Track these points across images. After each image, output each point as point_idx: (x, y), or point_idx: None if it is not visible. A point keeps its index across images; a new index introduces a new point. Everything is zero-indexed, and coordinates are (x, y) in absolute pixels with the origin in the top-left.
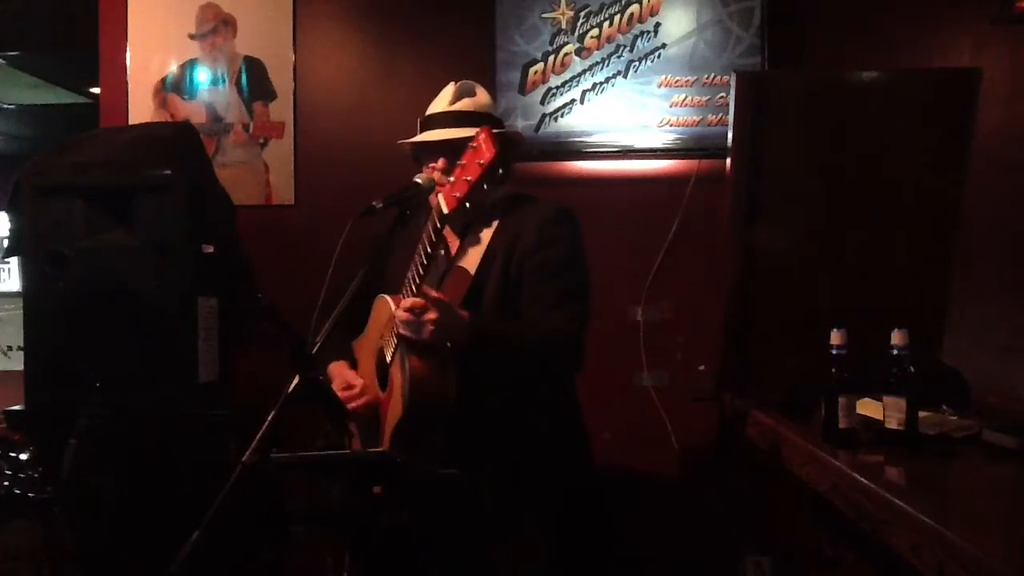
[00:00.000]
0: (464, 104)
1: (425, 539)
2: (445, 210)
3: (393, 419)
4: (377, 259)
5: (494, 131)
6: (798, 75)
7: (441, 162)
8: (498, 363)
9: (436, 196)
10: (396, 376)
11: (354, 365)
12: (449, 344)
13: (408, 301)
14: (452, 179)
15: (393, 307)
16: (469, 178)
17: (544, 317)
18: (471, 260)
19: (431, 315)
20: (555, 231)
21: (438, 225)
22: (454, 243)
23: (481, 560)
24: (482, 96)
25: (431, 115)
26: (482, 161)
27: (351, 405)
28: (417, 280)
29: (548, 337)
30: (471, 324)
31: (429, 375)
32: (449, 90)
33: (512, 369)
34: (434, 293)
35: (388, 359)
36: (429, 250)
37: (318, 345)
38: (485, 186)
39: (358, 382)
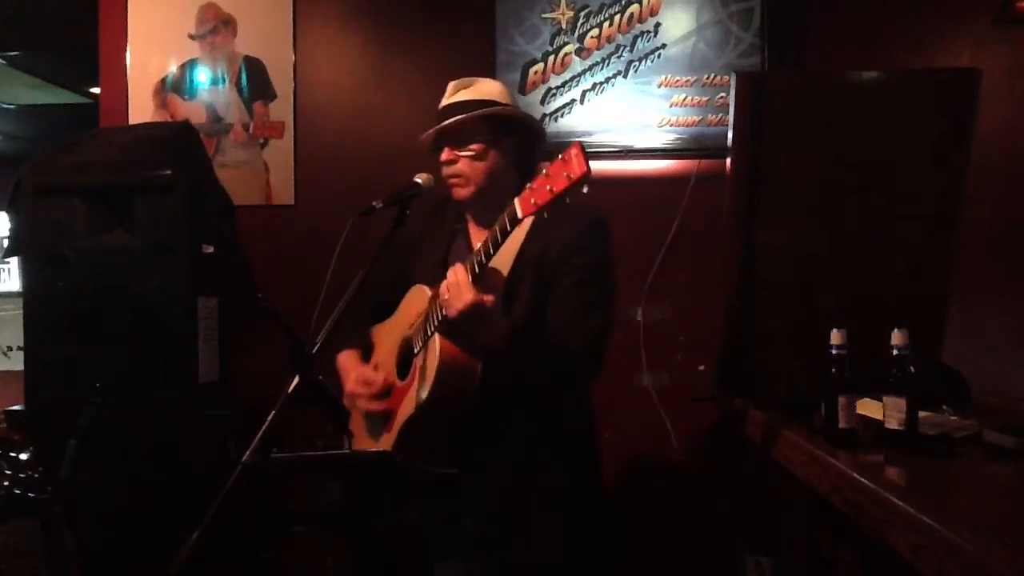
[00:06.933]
0: (461, 95)
1: (435, 539)
2: (520, 214)
3: (408, 409)
4: (405, 255)
5: (512, 113)
6: (798, 75)
7: (445, 153)
8: (525, 371)
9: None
10: (420, 366)
11: (368, 350)
12: (482, 342)
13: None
14: (533, 186)
15: (429, 293)
16: (553, 188)
17: (571, 326)
18: (503, 262)
19: (488, 297)
20: (586, 241)
21: (508, 227)
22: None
23: (492, 560)
24: (483, 85)
25: (437, 113)
26: (570, 175)
27: (369, 407)
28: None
29: (577, 351)
30: (510, 330)
31: (458, 365)
32: (449, 88)
33: (536, 378)
34: (487, 297)
35: (416, 349)
36: (491, 250)
37: (318, 345)
38: (567, 200)
39: (377, 379)
